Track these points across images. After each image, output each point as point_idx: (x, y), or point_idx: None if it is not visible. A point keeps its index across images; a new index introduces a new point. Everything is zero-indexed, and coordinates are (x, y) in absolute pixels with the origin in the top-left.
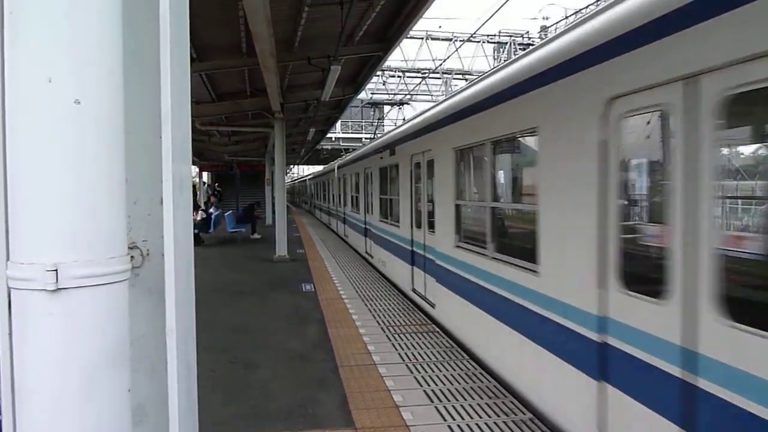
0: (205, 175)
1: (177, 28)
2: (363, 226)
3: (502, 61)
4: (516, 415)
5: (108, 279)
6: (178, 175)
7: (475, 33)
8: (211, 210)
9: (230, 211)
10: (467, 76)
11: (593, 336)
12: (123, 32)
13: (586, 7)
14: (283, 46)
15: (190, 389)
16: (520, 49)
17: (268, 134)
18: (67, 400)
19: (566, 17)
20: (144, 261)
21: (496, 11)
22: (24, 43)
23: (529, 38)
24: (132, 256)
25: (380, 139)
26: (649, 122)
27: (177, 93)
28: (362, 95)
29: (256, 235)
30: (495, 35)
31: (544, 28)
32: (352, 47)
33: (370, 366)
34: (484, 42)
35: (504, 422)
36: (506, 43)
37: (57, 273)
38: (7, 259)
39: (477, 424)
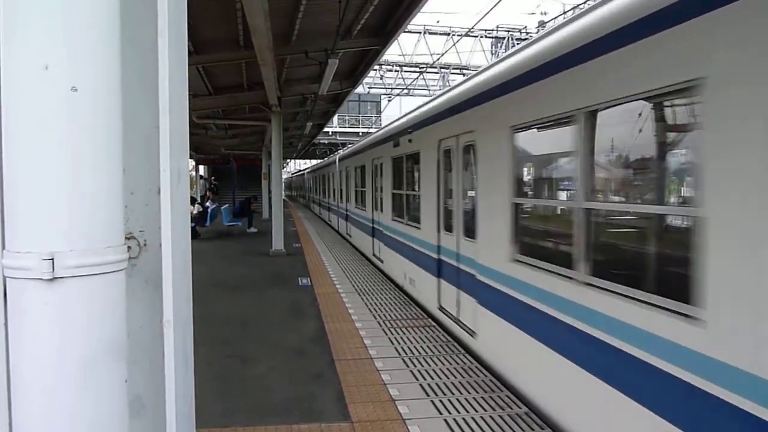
0: (201, 168)
1: (175, 17)
2: (344, 212)
3: (499, 56)
4: (512, 409)
5: (105, 269)
6: (176, 165)
7: (472, 28)
8: (208, 204)
9: (227, 205)
10: (464, 71)
11: (435, 255)
12: (120, 20)
13: (585, 2)
14: (280, 40)
15: (188, 381)
16: (517, 43)
17: (265, 128)
18: (63, 390)
19: (564, 12)
20: (141, 251)
21: (494, 6)
22: (20, 29)
23: (527, 33)
24: (129, 247)
25: (338, 154)
26: (449, 152)
27: (175, 83)
28: (360, 89)
29: (252, 229)
30: (493, 30)
31: (542, 23)
32: (350, 41)
33: (367, 360)
34: (481, 37)
35: (500, 416)
36: (504, 38)
37: (53, 262)
38: (3, 247)
39: (473, 418)
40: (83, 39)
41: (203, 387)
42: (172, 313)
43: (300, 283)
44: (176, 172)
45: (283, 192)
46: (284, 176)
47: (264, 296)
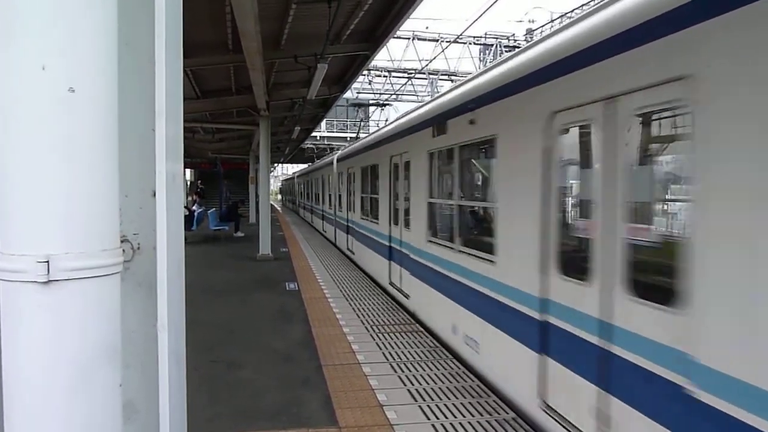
0: (188, 172)
1: (171, 20)
2: (317, 208)
3: (487, 63)
4: (499, 414)
5: (100, 272)
6: (171, 168)
7: (461, 35)
8: (194, 207)
9: (213, 209)
10: (453, 77)
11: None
12: (118, 22)
13: (572, 11)
14: (269, 44)
15: (180, 385)
16: (505, 50)
17: (253, 132)
18: (57, 394)
19: (551, 21)
20: (134, 255)
21: (482, 14)
22: (17, 29)
23: (515, 40)
24: (123, 250)
25: (301, 170)
26: (397, 165)
27: (171, 86)
28: (348, 94)
29: (239, 234)
30: (481, 37)
31: (529, 31)
32: (339, 46)
33: (354, 365)
34: (470, 44)
35: (487, 421)
36: (492, 45)
37: (48, 265)
38: None
39: (460, 423)
40: (80, 40)
41: (190, 392)
42: (167, 317)
43: (287, 288)
44: (171, 175)
45: (273, 197)
46: (283, 178)
47: (251, 301)
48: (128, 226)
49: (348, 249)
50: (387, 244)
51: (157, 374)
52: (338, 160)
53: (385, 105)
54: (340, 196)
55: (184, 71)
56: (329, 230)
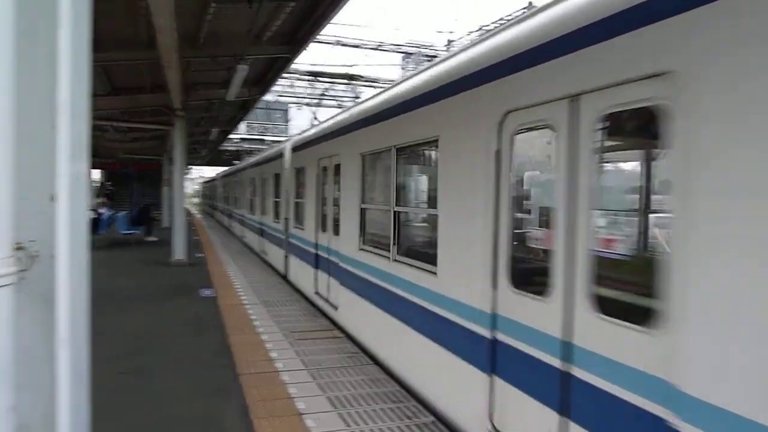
0: (96, 173)
1: (79, 10)
2: (252, 221)
3: (408, 71)
4: (419, 418)
5: None
6: (75, 170)
7: (382, 43)
8: (102, 210)
9: (124, 212)
10: (374, 84)
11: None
12: (15, 8)
13: (490, 24)
14: (187, 41)
15: (82, 406)
16: (425, 60)
17: (168, 132)
18: None
19: (470, 33)
20: (32, 264)
21: (402, 25)
22: None
23: (434, 50)
24: (19, 258)
25: (227, 170)
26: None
27: (77, 81)
28: (268, 96)
29: (152, 238)
30: (402, 45)
31: (449, 42)
32: (260, 47)
33: (273, 373)
34: (392, 51)
35: (407, 426)
36: (413, 54)
37: None
38: None
39: (380, 429)
40: None
41: (93, 408)
42: (68, 332)
43: (202, 295)
44: (74, 176)
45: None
46: (201, 180)
47: (163, 309)
48: (25, 232)
49: (324, 299)
50: (488, 334)
51: (56, 395)
52: (295, 149)
53: (353, 78)
54: (299, 205)
55: (95, 66)
56: (274, 256)
